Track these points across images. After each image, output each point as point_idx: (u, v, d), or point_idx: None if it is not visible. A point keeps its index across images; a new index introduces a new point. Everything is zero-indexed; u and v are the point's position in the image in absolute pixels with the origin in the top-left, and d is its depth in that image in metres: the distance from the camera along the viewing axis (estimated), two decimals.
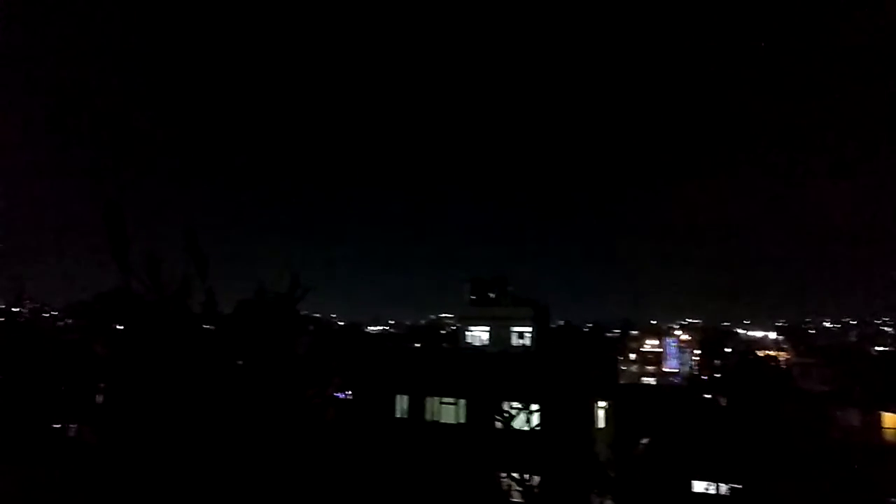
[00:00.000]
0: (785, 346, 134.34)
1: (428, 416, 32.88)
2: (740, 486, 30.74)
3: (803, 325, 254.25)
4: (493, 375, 32.19)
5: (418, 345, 70.08)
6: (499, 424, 30.60)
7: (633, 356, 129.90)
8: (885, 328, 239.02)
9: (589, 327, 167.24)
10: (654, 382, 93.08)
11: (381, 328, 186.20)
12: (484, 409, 31.40)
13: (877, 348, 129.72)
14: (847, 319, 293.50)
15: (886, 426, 37.79)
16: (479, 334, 49.92)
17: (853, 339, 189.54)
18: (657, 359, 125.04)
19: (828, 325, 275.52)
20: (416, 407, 33.14)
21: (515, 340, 48.63)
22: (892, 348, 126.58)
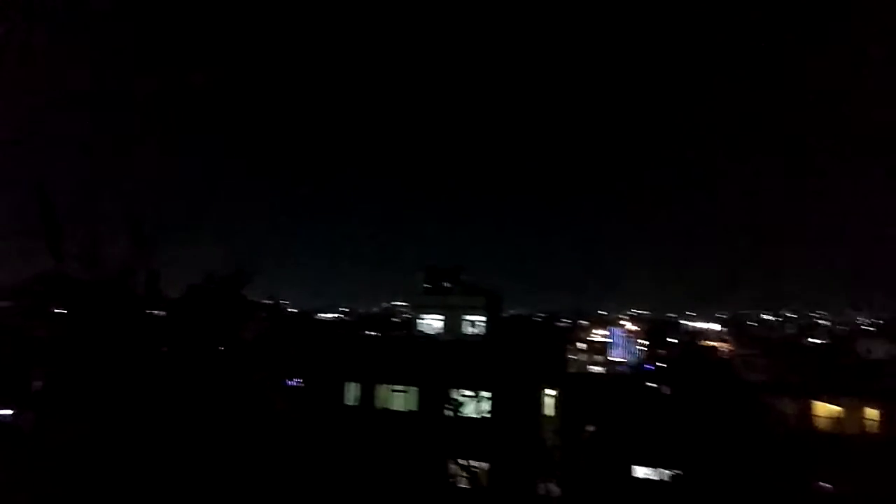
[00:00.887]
0: (727, 338, 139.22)
1: (378, 404, 32.93)
2: (680, 472, 31.81)
3: (744, 318, 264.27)
4: (445, 363, 32.41)
5: (371, 333, 69.84)
6: (449, 412, 30.90)
7: (582, 345, 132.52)
8: (820, 321, 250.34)
9: (541, 317, 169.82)
10: (602, 371, 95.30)
11: (333, 316, 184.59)
12: (435, 396, 31.62)
13: (812, 340, 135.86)
14: (785, 312, 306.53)
15: (818, 415, 39.80)
16: (432, 323, 50.15)
17: (791, 331, 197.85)
18: (605, 348, 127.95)
19: (767, 317, 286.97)
20: (367, 395, 33.14)
21: (468, 329, 49.04)
22: (825, 340, 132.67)
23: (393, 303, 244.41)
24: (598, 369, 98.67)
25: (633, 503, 29.72)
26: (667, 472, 31.56)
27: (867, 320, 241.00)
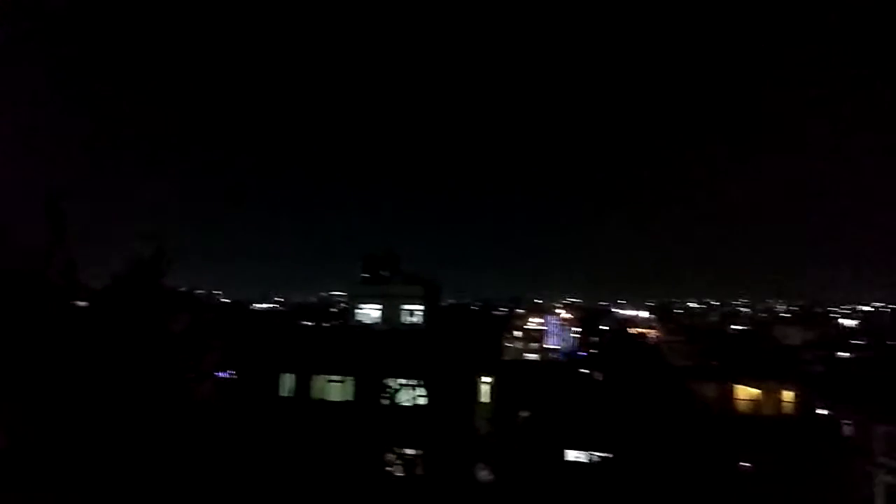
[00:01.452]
0: (655, 325, 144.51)
1: (315, 395, 32.56)
2: (610, 455, 32.93)
3: (671, 305, 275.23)
4: (382, 353, 32.34)
5: (307, 323, 68.82)
6: (385, 401, 30.89)
7: (518, 333, 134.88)
8: (741, 308, 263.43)
9: (478, 305, 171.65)
10: (537, 358, 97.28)
11: (268, 306, 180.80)
12: (372, 386, 31.52)
13: (733, 327, 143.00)
14: (709, 300, 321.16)
15: (738, 397, 42.00)
16: (370, 312, 49.80)
17: (714, 318, 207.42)
18: (540, 336, 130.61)
19: (693, 305, 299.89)
20: (303, 385, 32.69)
21: (406, 318, 48.95)
22: (746, 327, 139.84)
23: (330, 292, 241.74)
24: (533, 356, 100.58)
25: (565, 486, 30.57)
26: (597, 454, 32.65)
27: (784, 308, 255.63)
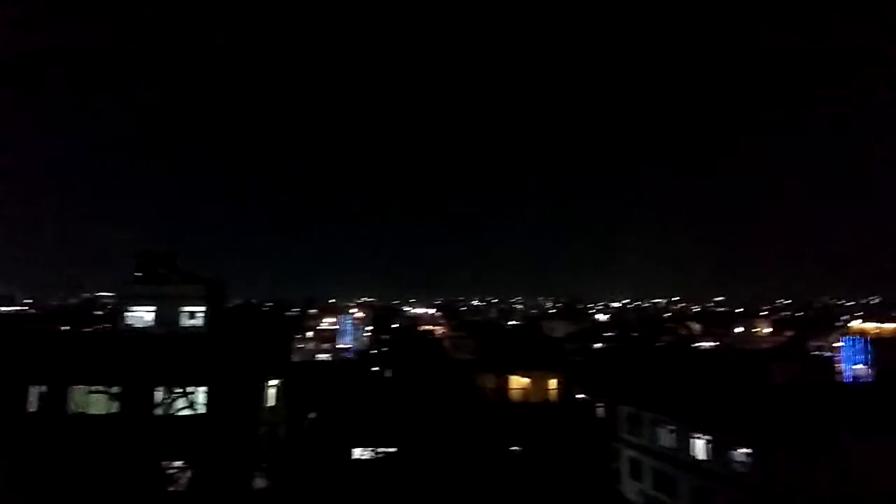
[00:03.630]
0: (441, 322, 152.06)
1: (73, 408, 28.96)
2: (396, 450, 33.99)
3: (456, 303, 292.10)
4: (156, 359, 29.85)
5: (65, 328, 60.80)
6: (159, 411, 28.58)
7: (311, 334, 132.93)
8: (517, 305, 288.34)
9: (269, 306, 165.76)
10: (329, 358, 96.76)
11: (15, 309, 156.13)
12: (143, 396, 28.93)
13: (510, 323, 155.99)
14: (490, 298, 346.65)
15: (512, 387, 45.99)
16: (143, 315, 45.56)
17: (494, 314, 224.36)
18: (333, 335, 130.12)
19: (476, 303, 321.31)
20: (57, 398, 28.87)
21: (186, 321, 45.72)
22: (519, 322, 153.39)
23: (97, 293, 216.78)
24: (325, 357, 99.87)
25: (350, 484, 30.87)
26: (383, 450, 33.52)
27: (552, 305, 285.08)
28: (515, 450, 36.43)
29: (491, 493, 31.28)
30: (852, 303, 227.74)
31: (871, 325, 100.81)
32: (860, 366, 68.26)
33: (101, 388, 29.22)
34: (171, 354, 30.30)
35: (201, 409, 29.30)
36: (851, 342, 74.58)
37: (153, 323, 44.64)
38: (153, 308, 45.27)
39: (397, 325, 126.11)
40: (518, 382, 46.03)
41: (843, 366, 70.87)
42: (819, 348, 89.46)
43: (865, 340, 73.16)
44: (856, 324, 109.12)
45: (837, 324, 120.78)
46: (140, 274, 48.98)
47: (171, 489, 26.85)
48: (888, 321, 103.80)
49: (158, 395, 29.03)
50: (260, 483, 28.65)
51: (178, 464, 27.28)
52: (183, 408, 28.95)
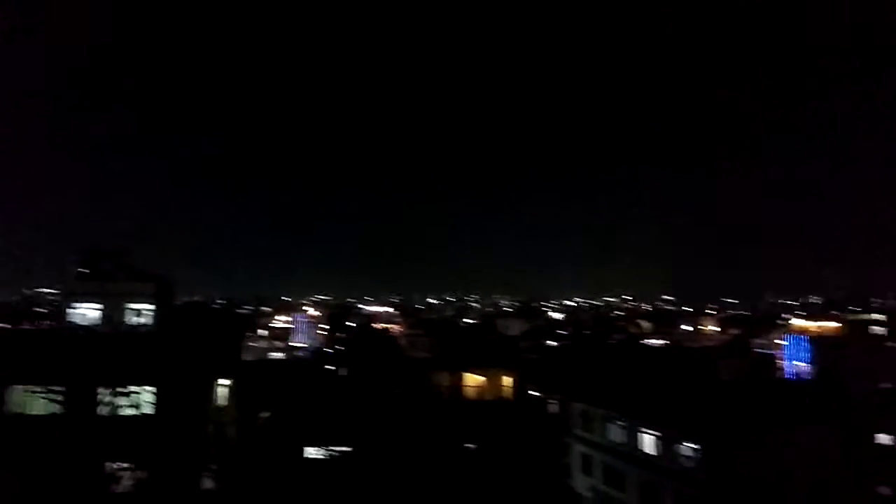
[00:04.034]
0: (398, 320, 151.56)
1: (11, 409, 27.83)
2: (350, 449, 33.72)
3: (414, 301, 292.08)
4: (101, 358, 28.91)
5: (4, 325, 58.39)
6: (104, 412, 27.73)
7: (264, 332, 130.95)
8: (473, 304, 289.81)
9: (220, 304, 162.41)
10: (282, 357, 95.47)
11: None
12: (87, 395, 28.00)
13: (465, 320, 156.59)
14: (446, 296, 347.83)
15: (467, 384, 46.24)
16: (87, 312, 44.25)
17: (450, 312, 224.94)
18: (287, 334, 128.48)
19: (433, 301, 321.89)
20: None
21: (133, 319, 44.60)
22: (475, 320, 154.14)
23: (38, 289, 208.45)
24: (278, 355, 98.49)
25: (302, 484, 30.53)
26: (337, 449, 33.21)
27: (508, 303, 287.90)
28: (470, 447, 36.64)
29: (445, 490, 31.39)
30: (795, 302, 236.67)
31: (812, 324, 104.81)
32: (801, 363, 70.93)
33: (41, 387, 28.17)
34: (115, 353, 29.38)
35: (147, 409, 28.54)
36: (793, 340, 77.39)
37: (99, 321, 43.39)
38: (99, 306, 44.01)
39: (353, 324, 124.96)
40: (473, 380, 46.30)
41: (785, 363, 73.62)
42: (762, 346, 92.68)
43: (807, 339, 76.00)
44: (797, 322, 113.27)
45: (780, 322, 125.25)
46: (85, 270, 47.49)
47: (114, 491, 26.13)
48: (828, 320, 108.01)
49: (103, 394, 28.18)
50: (208, 484, 28.10)
51: (122, 465, 26.54)
52: (128, 407, 28.19)
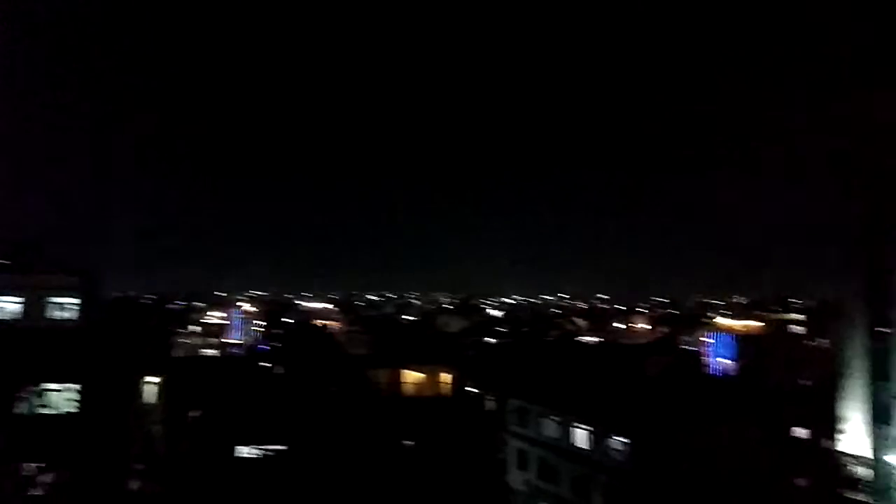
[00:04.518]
0: (337, 317, 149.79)
1: None
2: (285, 447, 33.23)
3: (353, 298, 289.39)
4: (19, 353, 27.52)
5: None
6: (22, 410, 26.46)
7: (197, 328, 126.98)
8: (413, 301, 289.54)
9: (151, 299, 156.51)
10: (216, 354, 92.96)
11: None
12: (6, 393, 26.65)
13: (405, 317, 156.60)
14: (386, 293, 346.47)
15: (406, 381, 46.34)
16: (5, 305, 41.93)
17: (390, 309, 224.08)
18: (222, 330, 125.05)
19: (372, 297, 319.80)
20: None
21: (56, 313, 42.49)
22: (415, 317, 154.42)
23: None
24: (212, 352, 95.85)
25: (232, 484, 29.88)
26: (271, 448, 32.63)
27: (448, 300, 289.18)
28: (407, 443, 36.76)
29: (381, 487, 31.40)
30: (721, 302, 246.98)
31: (736, 323, 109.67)
32: (725, 360, 74.25)
33: None
34: (35, 349, 28.01)
35: (70, 408, 27.39)
36: (718, 338, 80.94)
37: (19, 315, 41.18)
38: (19, 299, 41.75)
39: (291, 320, 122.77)
40: (412, 377, 46.44)
41: (710, 359, 76.92)
42: (689, 343, 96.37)
43: (731, 337, 79.61)
44: (722, 321, 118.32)
45: (705, 321, 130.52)
46: (5, 262, 45.05)
47: (31, 493, 24.99)
48: (751, 319, 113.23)
49: (23, 391, 26.90)
50: (134, 485, 27.24)
51: (39, 465, 25.40)
52: (47, 406, 27.00)
